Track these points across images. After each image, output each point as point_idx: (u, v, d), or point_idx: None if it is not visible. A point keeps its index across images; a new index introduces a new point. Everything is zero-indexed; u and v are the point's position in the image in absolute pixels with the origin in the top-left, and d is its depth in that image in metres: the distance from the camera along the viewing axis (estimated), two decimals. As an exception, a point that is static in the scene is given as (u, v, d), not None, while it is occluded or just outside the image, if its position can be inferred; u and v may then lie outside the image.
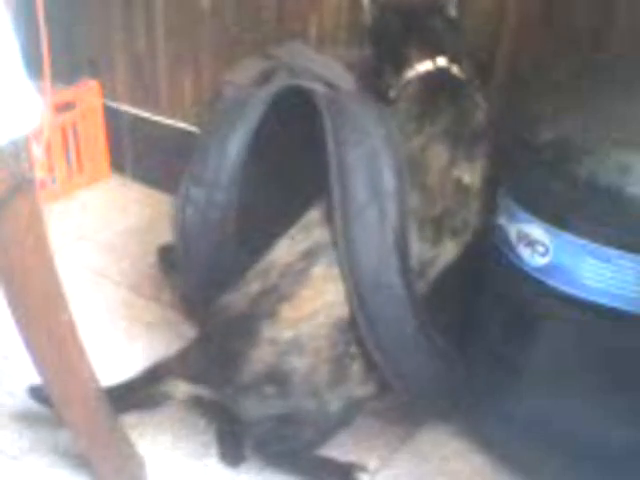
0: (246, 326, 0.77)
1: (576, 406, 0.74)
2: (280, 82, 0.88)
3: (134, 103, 1.41)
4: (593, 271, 0.68)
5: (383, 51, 0.86)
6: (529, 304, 0.75)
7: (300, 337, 0.76)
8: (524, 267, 0.73)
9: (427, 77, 0.82)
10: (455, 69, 0.82)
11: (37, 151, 1.26)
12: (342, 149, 0.77)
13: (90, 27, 1.39)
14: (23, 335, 0.71)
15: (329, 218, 0.77)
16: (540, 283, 0.72)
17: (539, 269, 0.71)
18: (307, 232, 0.79)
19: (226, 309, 0.80)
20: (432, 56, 0.82)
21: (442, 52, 0.83)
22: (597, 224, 0.67)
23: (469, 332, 0.84)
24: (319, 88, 0.84)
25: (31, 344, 0.71)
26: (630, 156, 0.65)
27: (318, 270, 0.76)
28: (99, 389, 0.77)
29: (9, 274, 0.67)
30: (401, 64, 0.83)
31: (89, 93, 1.40)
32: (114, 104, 1.43)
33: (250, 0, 1.17)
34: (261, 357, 0.76)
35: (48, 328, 0.71)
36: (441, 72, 0.82)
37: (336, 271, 0.76)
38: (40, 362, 0.73)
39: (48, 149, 1.34)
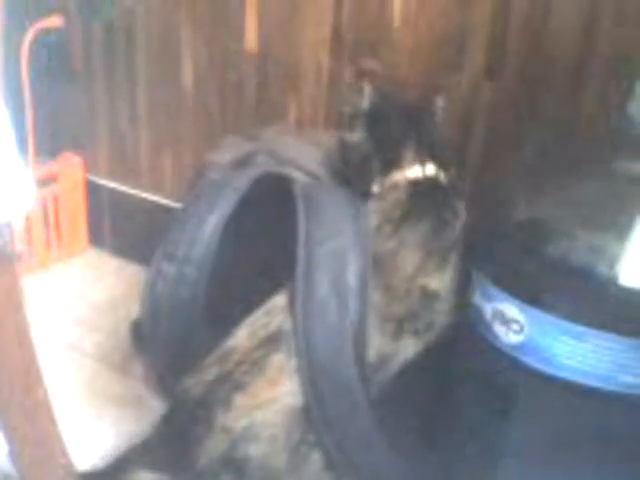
0: (202, 413, 0.77)
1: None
2: (260, 168, 0.89)
3: (115, 178, 1.42)
4: (567, 349, 0.68)
5: (376, 142, 0.86)
6: (504, 382, 0.75)
7: (255, 425, 0.75)
8: (499, 345, 0.74)
9: (414, 184, 0.82)
10: (442, 177, 0.83)
11: (17, 224, 1.26)
12: (311, 244, 0.78)
13: (74, 103, 1.42)
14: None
15: (291, 308, 0.78)
16: (515, 360, 0.72)
17: (514, 347, 0.72)
18: (269, 318, 0.79)
19: (185, 394, 0.79)
20: (423, 162, 0.82)
21: (433, 158, 0.83)
22: (571, 303, 0.68)
23: (443, 420, 0.84)
24: (298, 176, 0.85)
25: (3, 415, 0.70)
26: (601, 237, 0.67)
27: (276, 359, 0.76)
28: (70, 465, 0.76)
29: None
30: (392, 162, 0.83)
31: (71, 168, 1.42)
32: (95, 178, 1.44)
33: (231, 82, 1.21)
34: (216, 445, 0.75)
35: (22, 401, 0.70)
36: (429, 180, 0.82)
37: (293, 361, 0.76)
38: (11, 434, 0.71)
39: (28, 222, 1.34)
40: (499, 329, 0.73)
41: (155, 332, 0.90)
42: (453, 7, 0.97)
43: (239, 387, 0.76)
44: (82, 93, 1.40)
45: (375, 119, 0.86)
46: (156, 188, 1.36)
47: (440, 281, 0.79)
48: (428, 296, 0.78)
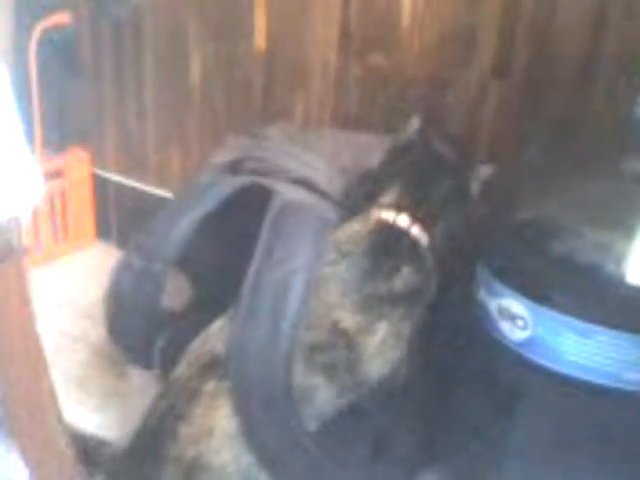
0: (155, 445, 0.77)
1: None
2: (244, 177, 0.88)
3: (122, 173, 1.43)
4: (573, 346, 0.69)
5: (384, 171, 0.85)
6: (509, 378, 0.75)
7: (202, 454, 0.74)
8: (505, 341, 0.74)
9: (383, 227, 0.80)
10: (416, 231, 0.80)
11: (25, 218, 1.27)
12: (263, 268, 0.77)
13: (82, 98, 1.42)
14: (1, 397, 0.70)
15: (228, 331, 0.77)
16: (520, 357, 0.73)
17: (519, 343, 0.73)
18: (206, 344, 0.79)
19: (144, 425, 0.80)
20: (404, 210, 0.80)
21: (428, 215, 0.81)
22: (576, 300, 0.68)
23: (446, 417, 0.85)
24: (282, 188, 0.84)
25: (8, 406, 0.70)
26: (607, 235, 0.67)
27: (209, 386, 0.76)
28: (74, 458, 0.76)
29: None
30: (377, 197, 0.82)
31: (78, 162, 1.42)
32: (102, 173, 1.45)
33: (238, 80, 1.21)
34: (172, 477, 0.75)
35: (27, 392, 0.70)
36: (397, 230, 0.80)
37: (226, 384, 0.75)
38: (16, 425, 0.72)
39: (35, 215, 1.35)
40: (504, 325, 0.74)
41: (117, 325, 0.90)
42: (461, 5, 0.97)
43: (181, 417, 0.75)
44: (90, 88, 1.40)
45: (400, 151, 0.85)
46: (163, 183, 1.37)
47: (367, 329, 0.76)
48: (338, 332, 0.76)
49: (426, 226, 0.80)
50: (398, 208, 0.80)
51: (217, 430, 0.75)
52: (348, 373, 0.77)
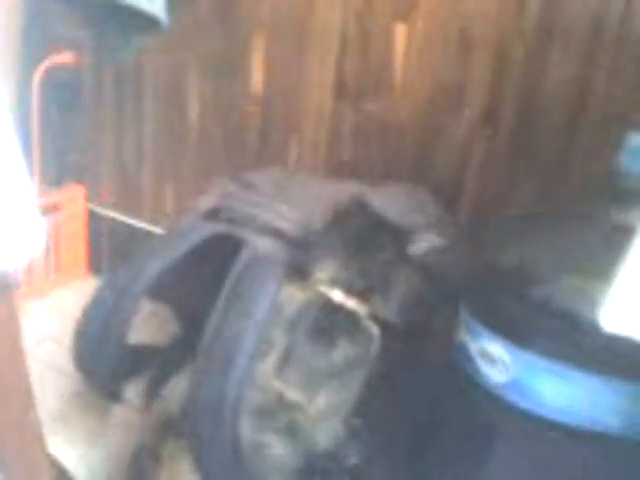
0: None
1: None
2: (218, 227, 0.89)
3: (117, 209, 1.45)
4: (552, 389, 0.70)
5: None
6: (489, 420, 0.76)
7: None
8: (484, 383, 0.75)
9: (319, 299, 0.80)
10: (352, 304, 0.80)
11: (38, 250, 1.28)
12: (220, 324, 0.77)
13: (80, 133, 1.45)
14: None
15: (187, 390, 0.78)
16: (500, 400, 0.73)
17: (499, 386, 0.74)
18: (163, 404, 0.81)
19: None
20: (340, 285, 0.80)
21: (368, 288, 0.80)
22: (555, 344, 0.70)
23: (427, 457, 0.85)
24: (254, 241, 0.84)
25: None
26: (585, 282, 0.69)
27: (169, 446, 0.77)
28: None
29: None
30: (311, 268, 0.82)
31: (74, 197, 1.44)
32: (97, 209, 1.47)
33: (235, 123, 1.24)
34: None
35: (13, 426, 0.71)
36: (331, 305, 0.80)
37: (183, 442, 0.77)
38: (2, 457, 0.72)
39: (28, 249, 1.36)
40: (484, 367, 0.75)
41: (85, 361, 0.90)
42: (451, 61, 1.01)
43: None
44: (90, 126, 1.43)
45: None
46: (156, 220, 1.39)
47: (308, 400, 0.77)
48: (280, 402, 0.77)
49: (365, 297, 0.80)
50: (332, 283, 0.80)
51: None
52: (296, 438, 0.78)
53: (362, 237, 0.83)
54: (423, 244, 0.83)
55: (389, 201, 0.87)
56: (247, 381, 0.75)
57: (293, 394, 0.77)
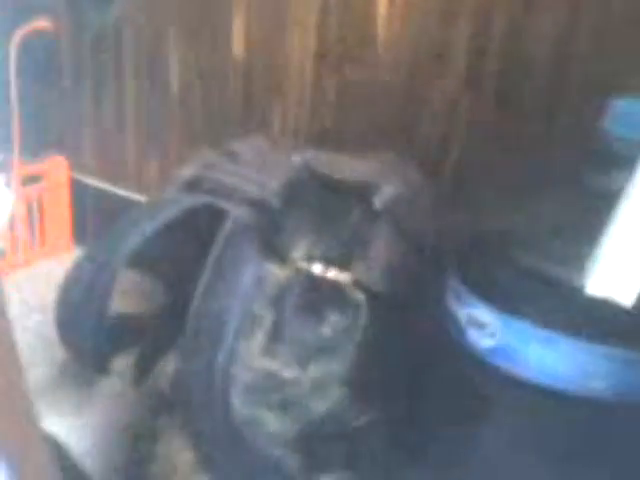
0: None
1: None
2: (199, 198, 0.88)
3: (100, 177, 1.43)
4: (539, 354, 0.71)
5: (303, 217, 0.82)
6: (477, 385, 0.77)
7: None
8: (472, 349, 0.76)
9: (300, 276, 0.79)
10: (333, 273, 0.79)
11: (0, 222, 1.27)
12: (205, 300, 0.77)
13: (60, 103, 1.43)
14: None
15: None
16: (488, 365, 0.74)
17: (487, 351, 0.74)
18: (154, 382, 0.82)
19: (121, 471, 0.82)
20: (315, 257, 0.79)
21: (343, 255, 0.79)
22: (541, 310, 0.70)
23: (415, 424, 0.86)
24: (237, 212, 0.82)
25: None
26: (571, 247, 0.69)
27: (163, 423, 0.78)
28: (50, 462, 0.76)
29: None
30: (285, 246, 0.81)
31: (56, 167, 1.43)
32: (80, 177, 1.45)
33: (217, 87, 1.22)
34: None
35: (1, 398, 0.70)
36: (312, 279, 0.79)
37: (176, 419, 0.77)
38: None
39: (12, 220, 1.35)
40: (472, 334, 0.75)
41: (67, 333, 0.90)
42: (435, 24, 1.00)
43: (148, 459, 0.77)
44: (69, 94, 1.41)
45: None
46: (141, 188, 1.37)
47: (301, 375, 0.77)
48: (279, 383, 0.77)
49: (345, 264, 0.79)
50: (309, 259, 0.79)
51: (179, 462, 0.76)
52: (291, 412, 0.78)
53: (324, 205, 0.81)
54: (387, 193, 0.79)
55: (337, 162, 0.84)
56: (235, 354, 0.76)
57: (285, 372, 0.77)
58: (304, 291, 0.78)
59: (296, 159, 0.83)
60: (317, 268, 0.79)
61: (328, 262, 0.79)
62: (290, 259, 0.81)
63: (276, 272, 0.80)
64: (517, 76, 0.96)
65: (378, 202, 0.78)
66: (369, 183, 0.80)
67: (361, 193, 0.80)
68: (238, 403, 0.76)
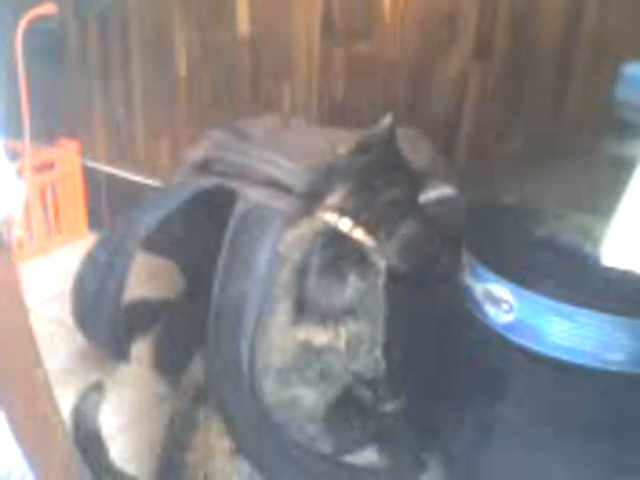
0: (171, 477, 0.80)
1: (545, 460, 0.75)
2: (211, 180, 0.89)
3: (112, 163, 1.43)
4: (556, 328, 0.70)
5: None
6: (495, 360, 0.77)
7: (209, 475, 0.77)
8: (489, 324, 0.75)
9: (325, 233, 0.79)
10: (359, 234, 0.79)
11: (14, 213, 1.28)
12: (224, 287, 0.77)
13: (70, 89, 1.42)
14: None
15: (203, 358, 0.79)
16: (505, 340, 0.74)
17: (504, 326, 0.74)
18: (191, 374, 0.81)
19: (159, 460, 0.82)
20: (345, 214, 0.79)
21: (372, 218, 0.79)
22: (558, 283, 0.69)
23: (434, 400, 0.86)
24: (248, 193, 0.84)
25: (3, 400, 0.71)
26: (587, 219, 0.68)
27: (201, 413, 0.78)
28: (71, 447, 0.77)
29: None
30: (321, 198, 0.81)
31: (68, 154, 1.43)
32: (92, 164, 1.45)
33: (224, 68, 1.21)
34: None
35: (21, 384, 0.71)
36: (339, 235, 0.79)
37: (213, 408, 0.77)
38: (12, 418, 0.73)
39: (26, 208, 1.35)
40: (489, 309, 0.75)
41: (84, 320, 0.91)
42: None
43: (186, 447, 0.78)
44: (77, 79, 1.40)
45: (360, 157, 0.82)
46: (153, 173, 1.37)
47: (334, 337, 0.77)
48: (312, 351, 0.77)
49: (371, 229, 0.79)
50: (341, 211, 0.79)
51: (217, 450, 0.77)
52: (330, 380, 0.79)
53: (376, 170, 0.81)
54: (434, 193, 0.81)
55: (408, 142, 0.85)
56: (258, 344, 0.76)
57: (318, 338, 0.77)
58: (329, 246, 0.78)
59: (387, 120, 0.82)
60: (345, 224, 0.79)
61: (356, 221, 0.79)
62: (322, 207, 0.80)
63: (302, 231, 0.79)
64: (529, 42, 0.94)
65: (422, 198, 0.80)
66: (423, 177, 0.82)
67: (412, 180, 0.81)
68: (270, 387, 0.77)
